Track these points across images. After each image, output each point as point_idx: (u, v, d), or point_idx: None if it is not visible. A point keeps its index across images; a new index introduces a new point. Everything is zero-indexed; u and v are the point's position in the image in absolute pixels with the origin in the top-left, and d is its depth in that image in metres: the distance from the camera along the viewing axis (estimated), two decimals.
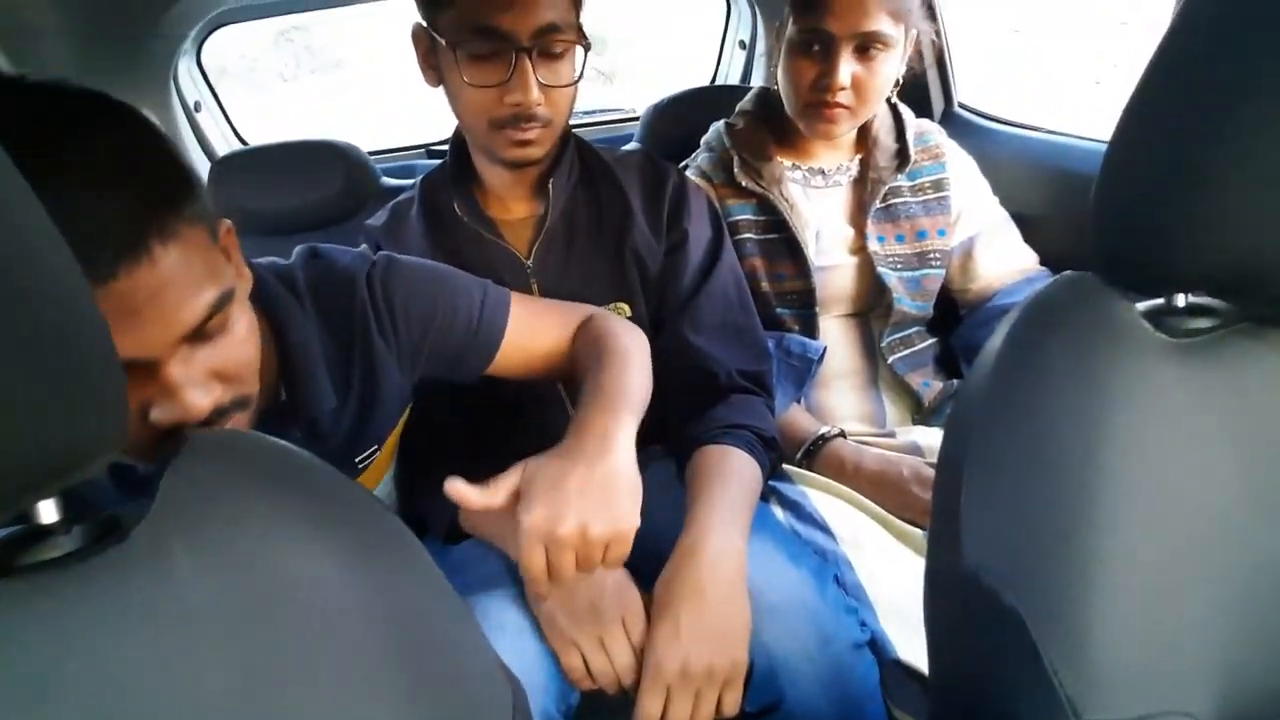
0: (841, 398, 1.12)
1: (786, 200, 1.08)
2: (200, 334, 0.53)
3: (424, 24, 0.87)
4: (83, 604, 0.29)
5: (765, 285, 1.09)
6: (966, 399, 0.47)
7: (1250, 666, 0.40)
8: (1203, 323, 0.45)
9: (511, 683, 0.38)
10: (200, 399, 0.52)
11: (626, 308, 0.95)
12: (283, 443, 0.37)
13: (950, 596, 0.45)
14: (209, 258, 0.53)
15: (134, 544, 0.30)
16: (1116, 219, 0.44)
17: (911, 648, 0.77)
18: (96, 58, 1.26)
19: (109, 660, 0.28)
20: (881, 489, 0.95)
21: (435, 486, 0.90)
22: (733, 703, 0.70)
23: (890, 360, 1.12)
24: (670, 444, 0.94)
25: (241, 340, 0.57)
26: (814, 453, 1.02)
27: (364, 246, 0.83)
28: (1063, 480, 0.41)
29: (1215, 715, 0.40)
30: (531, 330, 0.83)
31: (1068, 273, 0.47)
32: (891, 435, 1.08)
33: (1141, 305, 0.46)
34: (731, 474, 0.82)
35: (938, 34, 1.39)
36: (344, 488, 0.36)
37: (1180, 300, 0.46)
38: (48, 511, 0.30)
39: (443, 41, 0.83)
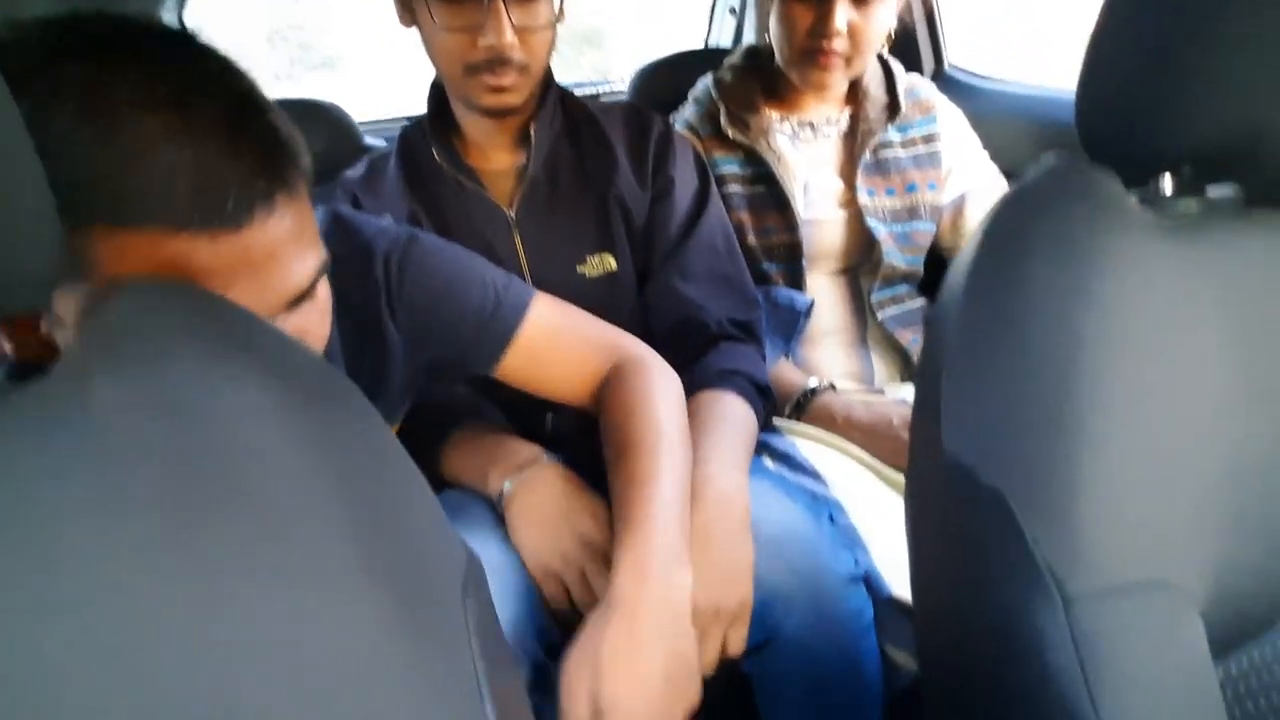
0: (830, 355, 1.11)
1: (774, 151, 1.06)
2: (299, 300, 0.50)
3: None
4: (2, 440, 0.27)
5: (752, 239, 1.07)
6: (948, 290, 0.46)
7: (1243, 547, 0.39)
8: (1191, 205, 0.44)
9: (467, 553, 0.37)
10: None
11: (612, 259, 0.93)
12: (217, 294, 0.35)
13: (931, 486, 0.44)
14: (311, 221, 0.51)
15: (56, 380, 0.29)
16: (1103, 94, 0.43)
17: (905, 588, 0.76)
18: (78, 9, 1.24)
19: (32, 500, 0.27)
20: (872, 438, 0.94)
21: (418, 438, 0.89)
22: (738, 641, 0.68)
23: (880, 317, 1.10)
24: None
25: (324, 311, 0.55)
26: (804, 405, 1.00)
27: (388, 217, 0.80)
28: (1044, 355, 0.39)
29: (1207, 594, 0.38)
30: (550, 342, 0.78)
31: (1051, 155, 0.45)
32: (880, 392, 1.06)
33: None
34: (729, 418, 0.81)
35: None
36: (288, 343, 0.34)
37: (1168, 184, 0.44)
38: None
39: None
